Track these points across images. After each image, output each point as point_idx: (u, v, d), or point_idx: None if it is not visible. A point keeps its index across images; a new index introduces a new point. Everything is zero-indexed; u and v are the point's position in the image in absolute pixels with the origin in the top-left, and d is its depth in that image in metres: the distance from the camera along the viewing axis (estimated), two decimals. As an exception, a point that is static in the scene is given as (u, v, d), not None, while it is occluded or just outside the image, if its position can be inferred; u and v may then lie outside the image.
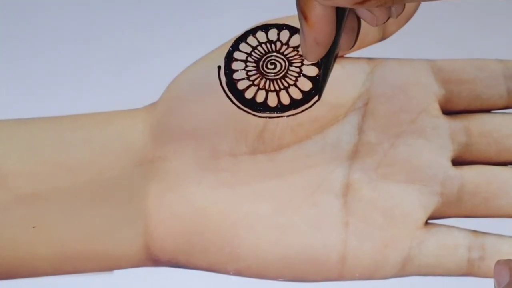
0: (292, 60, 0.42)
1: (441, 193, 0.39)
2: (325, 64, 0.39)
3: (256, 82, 0.41)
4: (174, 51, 0.43)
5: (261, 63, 0.42)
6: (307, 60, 0.36)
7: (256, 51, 0.42)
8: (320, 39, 0.35)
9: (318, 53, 0.36)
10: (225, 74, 0.41)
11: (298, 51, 0.42)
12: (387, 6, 0.33)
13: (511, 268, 0.36)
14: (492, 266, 0.37)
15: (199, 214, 0.39)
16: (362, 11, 0.36)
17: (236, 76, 0.41)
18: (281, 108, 0.41)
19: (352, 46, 0.37)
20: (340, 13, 0.36)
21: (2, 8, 0.44)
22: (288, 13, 0.43)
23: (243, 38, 0.43)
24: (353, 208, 0.39)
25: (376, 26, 0.35)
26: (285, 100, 0.41)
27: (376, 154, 0.40)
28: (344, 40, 0.36)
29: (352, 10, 0.36)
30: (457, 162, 0.40)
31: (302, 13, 0.35)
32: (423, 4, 0.41)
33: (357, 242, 0.39)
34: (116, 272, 0.39)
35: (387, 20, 0.35)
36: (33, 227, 0.39)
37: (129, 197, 0.40)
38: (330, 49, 0.37)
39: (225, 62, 0.42)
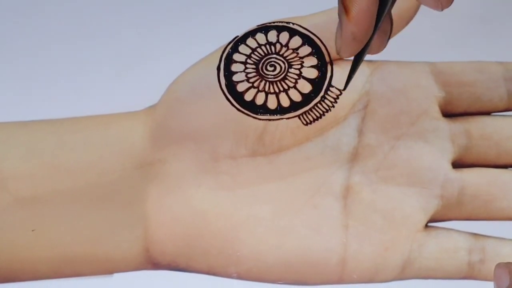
0: (291, 62, 0.42)
1: (441, 196, 0.39)
2: (355, 62, 0.39)
3: (255, 84, 0.41)
4: (173, 53, 0.43)
5: (260, 65, 0.42)
6: (340, 55, 0.36)
7: (256, 53, 0.42)
8: (357, 34, 0.35)
9: (353, 49, 0.36)
10: (225, 76, 0.41)
11: (297, 53, 0.42)
12: None
13: (511, 271, 0.36)
14: (493, 269, 0.37)
15: (199, 217, 0.39)
16: None
17: (235, 78, 0.41)
18: (280, 110, 0.41)
19: (382, 49, 0.37)
20: (380, 12, 0.35)
21: (0, 8, 0.44)
22: (287, 15, 0.43)
23: (242, 39, 0.42)
24: (353, 211, 0.39)
25: (442, 10, 0.34)
26: (285, 102, 0.41)
27: (376, 157, 0.40)
28: (376, 42, 0.36)
29: (387, 14, 0.36)
30: (458, 164, 0.40)
31: (344, 5, 0.34)
32: (423, 6, 0.41)
33: (357, 245, 0.39)
34: (116, 275, 0.39)
35: (451, 3, 0.34)
36: (33, 230, 0.39)
37: (129, 200, 0.40)
38: (363, 47, 0.37)
39: (225, 64, 0.42)
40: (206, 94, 0.41)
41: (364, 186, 0.40)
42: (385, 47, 0.37)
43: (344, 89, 0.40)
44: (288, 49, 0.42)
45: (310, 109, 0.41)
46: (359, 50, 0.36)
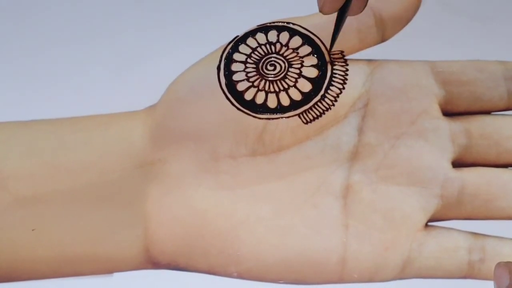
0: (291, 61, 0.42)
1: (441, 195, 0.39)
2: (337, 22, 0.39)
3: (255, 84, 0.41)
4: (173, 52, 0.43)
5: (260, 64, 0.42)
6: (323, 12, 0.37)
7: (256, 52, 0.42)
8: None
9: (335, 4, 0.36)
10: (225, 75, 0.41)
11: (297, 53, 0.42)
12: None
13: (511, 271, 0.36)
14: (493, 269, 0.37)
15: (199, 217, 0.39)
16: None
17: (235, 77, 0.41)
18: (281, 109, 0.41)
19: (361, 11, 0.37)
20: None
21: (1, 8, 0.44)
22: (288, 15, 0.43)
23: (242, 39, 0.43)
24: (353, 210, 0.39)
25: None
26: (285, 101, 0.41)
27: (376, 156, 0.40)
28: (355, 3, 0.37)
29: None
30: (457, 164, 0.40)
31: None
32: (423, 6, 0.41)
33: (357, 245, 0.39)
34: (116, 274, 0.39)
35: None
36: (33, 230, 0.39)
37: (129, 199, 0.40)
38: (344, 5, 0.38)
39: (225, 63, 0.42)
40: (206, 94, 0.41)
41: (364, 185, 0.40)
42: (364, 7, 0.37)
43: (330, 50, 0.41)
44: (288, 48, 0.42)
45: (310, 108, 0.41)
46: (341, 4, 0.36)
